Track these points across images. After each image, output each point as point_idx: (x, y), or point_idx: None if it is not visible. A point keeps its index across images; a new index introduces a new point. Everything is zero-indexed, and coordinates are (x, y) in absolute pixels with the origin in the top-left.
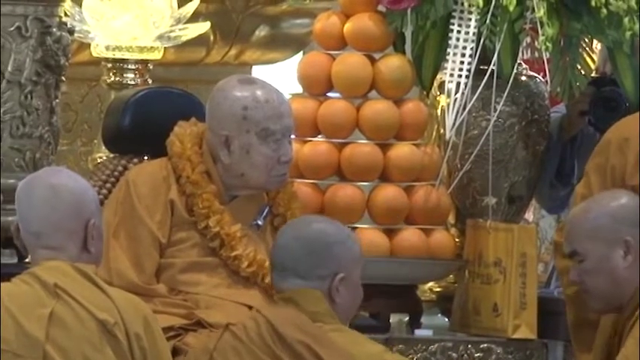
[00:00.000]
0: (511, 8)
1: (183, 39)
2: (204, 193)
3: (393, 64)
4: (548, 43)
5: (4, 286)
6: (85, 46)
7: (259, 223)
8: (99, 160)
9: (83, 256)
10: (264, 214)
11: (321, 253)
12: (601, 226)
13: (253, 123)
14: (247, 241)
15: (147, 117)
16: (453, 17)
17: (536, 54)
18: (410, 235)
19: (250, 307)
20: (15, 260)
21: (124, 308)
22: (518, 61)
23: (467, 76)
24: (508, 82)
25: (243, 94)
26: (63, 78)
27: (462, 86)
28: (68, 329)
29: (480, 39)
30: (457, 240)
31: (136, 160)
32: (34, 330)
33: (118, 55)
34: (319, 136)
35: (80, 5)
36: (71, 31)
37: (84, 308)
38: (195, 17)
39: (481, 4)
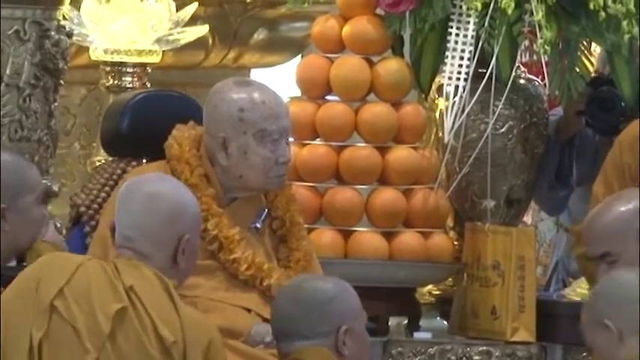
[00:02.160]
0: (509, 11)
1: (182, 42)
2: (202, 196)
3: (391, 67)
4: (546, 46)
5: (96, 263)
6: (83, 49)
7: (258, 226)
8: (97, 164)
9: (172, 270)
10: (263, 217)
11: (319, 311)
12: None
13: (250, 124)
14: (246, 244)
15: (145, 120)
16: (452, 20)
17: (535, 57)
18: (409, 238)
19: (249, 310)
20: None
21: (189, 328)
22: (517, 64)
23: (465, 79)
24: (507, 86)
25: (240, 96)
26: (61, 81)
27: (460, 89)
28: (131, 333)
29: (478, 42)
30: (456, 243)
31: (134, 163)
32: (102, 319)
33: (117, 58)
34: (318, 139)
35: (79, 9)
36: (69, 35)
37: (150, 318)
38: (193, 20)
39: (479, 7)
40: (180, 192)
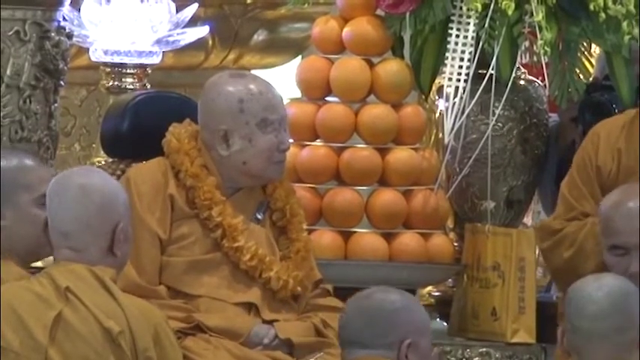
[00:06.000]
0: (510, 12)
1: (182, 43)
2: (204, 185)
3: (391, 68)
4: (546, 48)
5: (16, 285)
6: (83, 50)
7: (259, 217)
8: (97, 165)
9: (108, 259)
10: (263, 209)
11: (384, 322)
12: None
13: (251, 115)
14: (248, 234)
15: (145, 121)
16: (452, 21)
17: (535, 58)
18: (408, 240)
19: (249, 311)
20: None
21: (134, 317)
22: (517, 66)
23: (465, 80)
24: (507, 87)
25: (237, 88)
26: (62, 82)
27: (460, 90)
28: (74, 334)
29: (478, 43)
30: (456, 244)
31: (134, 164)
32: (38, 333)
33: (117, 59)
34: (318, 141)
35: (79, 10)
36: (70, 36)
37: (91, 314)
38: (193, 21)
39: (480, 8)
40: (109, 181)
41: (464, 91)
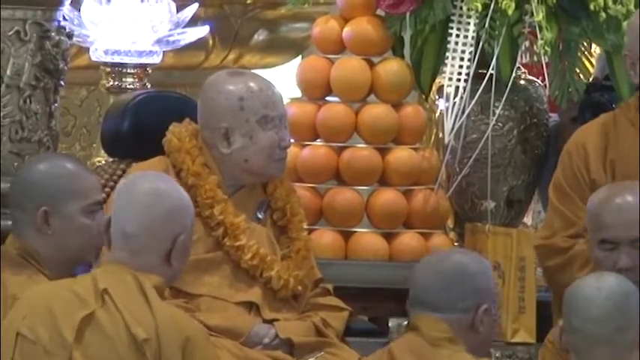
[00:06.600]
0: (510, 12)
1: (182, 43)
2: (206, 184)
3: (391, 68)
4: (546, 47)
5: (59, 282)
6: (83, 50)
7: (260, 216)
8: (98, 164)
9: (163, 267)
10: (264, 208)
11: (462, 286)
12: None
13: (251, 112)
14: (250, 233)
15: (145, 121)
16: (452, 21)
17: (535, 58)
18: (409, 239)
19: (250, 310)
20: None
21: (164, 326)
22: (517, 65)
23: (465, 80)
24: (507, 86)
25: (237, 87)
26: (62, 82)
27: (460, 90)
28: (101, 336)
29: (478, 43)
30: (456, 244)
31: (135, 164)
32: (66, 331)
33: (117, 59)
34: (318, 140)
35: (79, 9)
36: (70, 36)
37: (122, 318)
38: (193, 21)
39: (480, 8)
40: (181, 191)
41: (464, 90)
